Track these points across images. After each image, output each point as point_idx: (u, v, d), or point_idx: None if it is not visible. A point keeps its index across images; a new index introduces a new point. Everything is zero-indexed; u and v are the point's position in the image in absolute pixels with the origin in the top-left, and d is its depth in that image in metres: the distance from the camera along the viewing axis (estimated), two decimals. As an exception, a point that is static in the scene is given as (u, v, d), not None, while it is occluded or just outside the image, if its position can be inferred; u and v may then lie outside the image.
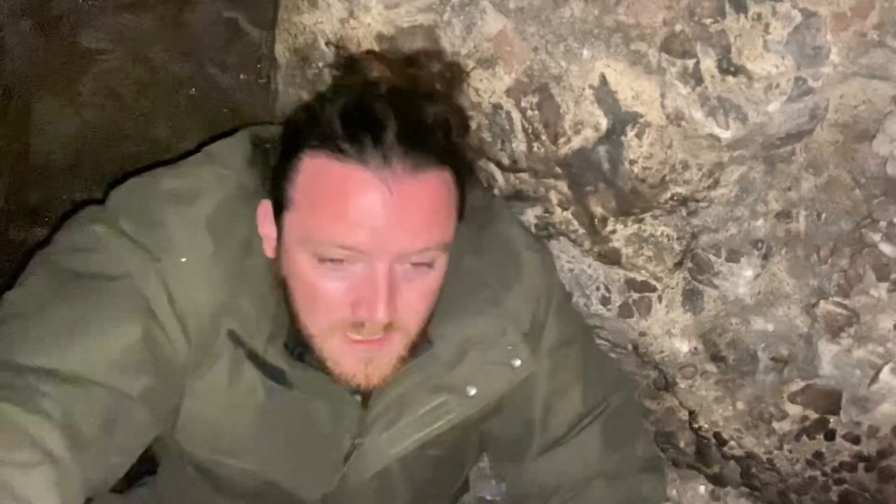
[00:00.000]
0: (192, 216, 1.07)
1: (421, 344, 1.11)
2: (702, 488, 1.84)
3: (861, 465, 1.55)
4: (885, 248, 1.36)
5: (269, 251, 1.07)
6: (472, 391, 1.17)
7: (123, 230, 1.07)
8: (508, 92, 1.36)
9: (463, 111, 1.14)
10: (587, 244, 1.50)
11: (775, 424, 1.56)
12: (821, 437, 1.55)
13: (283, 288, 1.06)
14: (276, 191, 1.03)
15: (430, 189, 0.98)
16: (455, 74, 1.14)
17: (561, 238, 1.52)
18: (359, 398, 1.16)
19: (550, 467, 1.31)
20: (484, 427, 1.30)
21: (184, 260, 1.04)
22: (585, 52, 1.31)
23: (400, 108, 0.98)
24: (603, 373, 1.39)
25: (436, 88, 1.09)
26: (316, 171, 0.98)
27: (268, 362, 1.09)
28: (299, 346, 1.09)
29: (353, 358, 1.03)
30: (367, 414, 1.17)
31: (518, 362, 1.19)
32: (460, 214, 1.07)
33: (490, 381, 1.19)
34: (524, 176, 1.45)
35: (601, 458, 1.32)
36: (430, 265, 1.02)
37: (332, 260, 0.99)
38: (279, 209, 1.03)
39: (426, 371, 1.15)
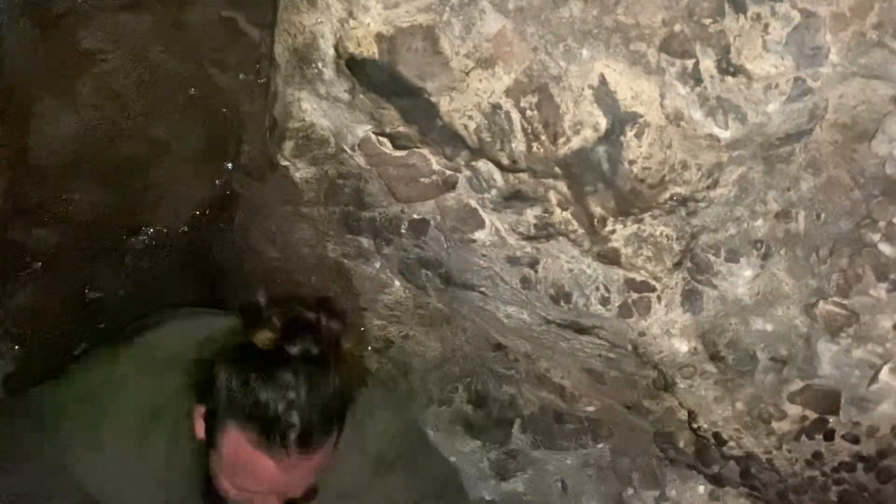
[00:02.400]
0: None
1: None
2: (701, 488, 1.84)
3: (860, 466, 1.55)
4: (885, 248, 1.36)
5: (199, 432, 1.36)
6: None
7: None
8: (508, 92, 1.36)
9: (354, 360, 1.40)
10: (586, 244, 1.50)
11: (774, 424, 1.56)
12: (820, 437, 1.55)
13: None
14: (210, 428, 1.33)
15: (318, 458, 1.29)
16: (348, 332, 1.37)
17: (560, 238, 1.52)
18: None
19: None
20: None
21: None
22: (585, 53, 1.31)
23: (305, 402, 1.25)
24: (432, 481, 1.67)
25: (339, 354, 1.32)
26: (235, 444, 1.28)
27: None
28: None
29: None
30: None
31: None
32: (341, 431, 1.34)
33: None
34: (523, 176, 1.45)
35: None
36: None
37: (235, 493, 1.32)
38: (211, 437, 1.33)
39: None
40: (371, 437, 1.51)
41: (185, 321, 1.56)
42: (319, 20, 1.42)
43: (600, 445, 1.96)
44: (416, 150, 1.53)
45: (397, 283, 1.85)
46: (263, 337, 1.28)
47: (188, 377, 1.37)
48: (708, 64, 1.27)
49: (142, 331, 1.53)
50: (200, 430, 1.35)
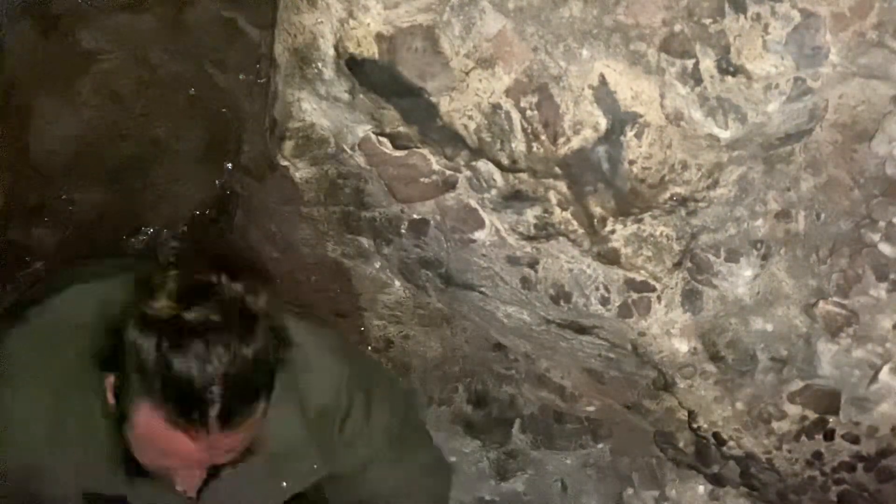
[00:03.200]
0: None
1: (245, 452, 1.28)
2: (701, 488, 1.84)
3: (860, 466, 1.55)
4: (885, 248, 1.36)
5: (111, 398, 1.24)
6: (284, 484, 1.47)
7: None
8: (508, 92, 1.37)
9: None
10: (586, 244, 1.50)
11: (774, 424, 1.57)
12: (820, 437, 1.55)
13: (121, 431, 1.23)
14: (120, 402, 1.21)
15: (242, 433, 1.19)
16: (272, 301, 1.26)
17: (560, 238, 1.52)
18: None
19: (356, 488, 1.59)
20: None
21: None
22: (585, 53, 1.31)
23: (224, 374, 1.13)
24: (386, 402, 1.56)
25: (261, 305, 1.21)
26: (149, 423, 1.17)
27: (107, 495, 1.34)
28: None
29: (170, 484, 1.24)
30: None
31: (316, 466, 1.48)
32: (269, 398, 1.23)
33: (299, 478, 1.49)
34: (523, 176, 1.45)
35: (390, 475, 1.58)
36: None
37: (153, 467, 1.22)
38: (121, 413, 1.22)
39: (250, 472, 1.32)
40: (311, 394, 1.41)
41: (79, 287, 1.40)
42: (319, 20, 1.42)
43: (600, 445, 1.96)
44: (416, 150, 1.53)
45: (397, 283, 1.85)
46: (160, 305, 1.14)
47: (92, 346, 1.24)
48: (708, 64, 1.27)
49: (36, 304, 1.39)
50: (111, 400, 1.23)
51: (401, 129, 1.49)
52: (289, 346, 1.26)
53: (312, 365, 1.40)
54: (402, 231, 1.68)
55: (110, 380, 1.23)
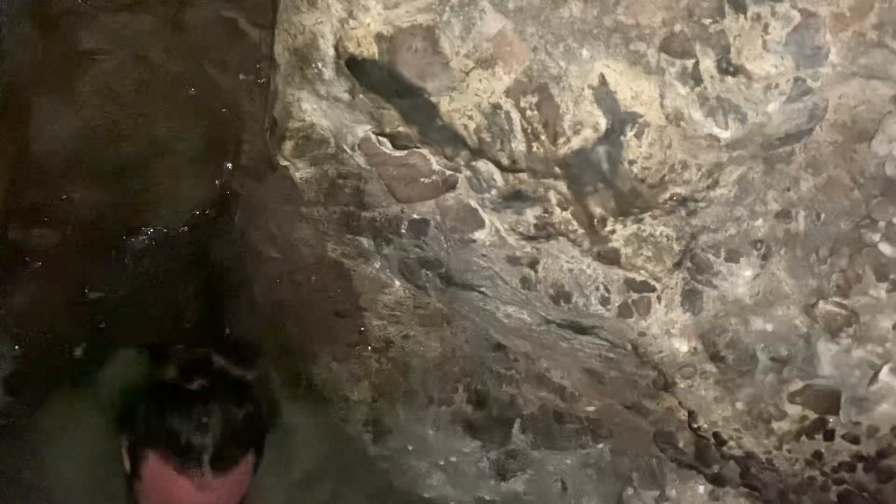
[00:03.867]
0: None
1: None
2: (701, 488, 1.84)
3: (860, 466, 1.55)
4: (884, 248, 1.36)
5: (128, 467, 1.49)
6: None
7: None
8: (508, 92, 1.37)
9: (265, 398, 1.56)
10: (586, 244, 1.50)
11: (774, 424, 1.57)
12: (820, 437, 1.55)
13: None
14: (132, 459, 1.47)
15: (233, 480, 1.42)
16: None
17: (560, 238, 1.52)
18: None
19: None
20: None
21: None
22: (585, 53, 1.31)
23: (216, 426, 1.39)
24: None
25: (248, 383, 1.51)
26: (155, 470, 1.42)
27: None
28: None
29: None
30: None
31: None
32: (259, 456, 1.50)
33: None
34: (523, 176, 1.45)
35: None
36: None
37: None
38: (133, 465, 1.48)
39: None
40: (294, 460, 1.64)
41: (113, 366, 1.68)
42: (319, 20, 1.42)
43: (600, 445, 1.96)
44: (416, 150, 1.53)
45: (397, 283, 1.85)
46: (168, 374, 1.45)
47: (111, 416, 1.52)
48: (708, 64, 1.27)
49: (85, 380, 1.68)
50: (127, 463, 1.48)
51: (401, 129, 1.49)
52: (280, 416, 1.56)
53: (297, 437, 1.66)
54: (402, 231, 1.68)
55: (125, 441, 1.48)
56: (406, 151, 1.55)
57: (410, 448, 1.95)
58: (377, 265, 1.83)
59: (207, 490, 1.38)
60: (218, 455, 1.38)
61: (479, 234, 1.59)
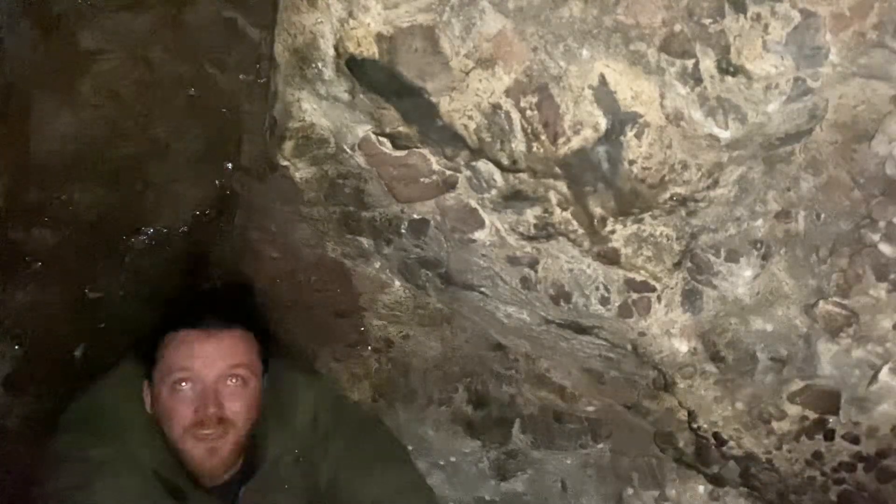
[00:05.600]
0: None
1: (251, 466, 1.68)
2: (701, 488, 1.84)
3: (860, 465, 1.55)
4: (884, 248, 1.36)
5: (148, 406, 1.64)
6: (287, 486, 1.71)
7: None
8: (508, 92, 1.37)
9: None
10: (586, 244, 1.50)
11: (774, 424, 1.57)
12: (820, 437, 1.55)
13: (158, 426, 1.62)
14: (150, 366, 1.64)
15: (235, 337, 1.63)
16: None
17: (560, 238, 1.52)
18: None
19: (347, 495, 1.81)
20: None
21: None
22: (585, 53, 1.31)
23: (216, 297, 1.83)
24: (372, 432, 1.85)
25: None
26: (167, 341, 1.62)
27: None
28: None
29: (200, 449, 1.57)
30: None
31: (301, 458, 1.74)
32: (265, 361, 1.69)
33: (294, 477, 1.73)
34: (523, 176, 1.45)
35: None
36: (245, 381, 1.61)
37: (178, 384, 1.57)
38: (151, 374, 1.64)
39: (259, 483, 1.68)
40: (298, 416, 1.74)
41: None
42: (319, 20, 1.42)
43: (600, 445, 1.96)
44: (416, 150, 1.53)
45: (397, 283, 1.85)
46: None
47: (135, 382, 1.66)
48: (708, 64, 1.27)
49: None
50: (147, 399, 1.63)
51: (401, 129, 1.49)
52: (278, 355, 1.72)
53: (299, 396, 1.77)
54: (402, 231, 1.68)
55: (146, 388, 1.64)
56: (406, 151, 1.55)
57: (410, 448, 1.95)
58: (377, 265, 1.83)
59: (214, 339, 1.58)
60: (221, 309, 1.64)
61: (479, 234, 1.59)
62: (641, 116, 1.33)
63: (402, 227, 1.68)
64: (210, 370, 1.57)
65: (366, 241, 1.77)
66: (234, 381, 1.59)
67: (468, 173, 1.52)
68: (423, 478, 1.85)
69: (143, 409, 1.64)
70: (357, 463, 1.73)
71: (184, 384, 1.56)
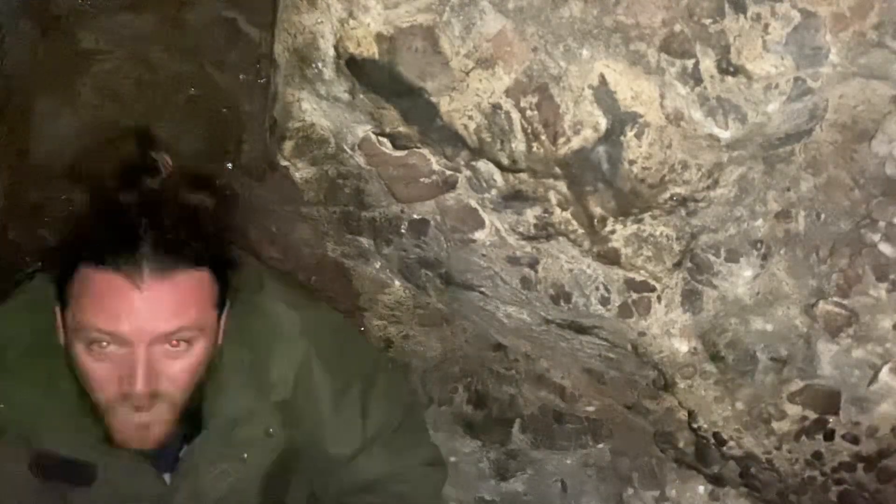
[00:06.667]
0: None
1: (200, 420, 1.33)
2: (701, 488, 1.84)
3: (860, 466, 1.55)
4: (884, 248, 1.36)
5: (61, 338, 1.24)
6: (245, 456, 1.40)
7: None
8: (508, 92, 1.36)
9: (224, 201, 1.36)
10: (586, 244, 1.50)
11: (774, 424, 1.57)
12: (820, 437, 1.55)
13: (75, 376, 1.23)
14: (61, 299, 1.22)
15: (181, 286, 1.17)
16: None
17: (560, 238, 1.52)
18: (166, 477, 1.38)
19: (349, 475, 1.52)
20: (293, 466, 1.48)
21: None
22: (585, 53, 1.31)
23: (157, 219, 1.16)
24: (385, 398, 1.54)
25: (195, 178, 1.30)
26: (83, 279, 1.17)
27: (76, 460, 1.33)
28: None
29: (128, 426, 1.21)
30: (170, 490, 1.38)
31: (272, 430, 1.40)
32: (222, 301, 1.27)
33: (257, 449, 1.41)
34: (523, 176, 1.45)
35: (387, 464, 1.54)
36: (188, 343, 1.21)
37: (97, 344, 1.17)
38: (62, 306, 1.22)
39: (206, 446, 1.36)
40: (272, 371, 1.38)
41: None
42: (319, 20, 1.42)
43: (600, 445, 1.96)
44: (416, 150, 1.53)
45: (397, 283, 1.85)
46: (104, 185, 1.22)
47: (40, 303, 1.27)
48: (708, 64, 1.27)
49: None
50: (61, 331, 1.23)
51: (401, 129, 1.49)
52: (238, 266, 1.29)
53: (278, 344, 1.38)
54: (402, 231, 1.68)
55: (57, 312, 1.23)
56: (406, 151, 1.55)
57: (410, 448, 1.95)
58: (377, 265, 1.83)
59: (150, 292, 1.13)
60: (158, 247, 1.14)
61: (479, 234, 1.59)
62: (641, 116, 1.33)
63: (402, 227, 1.68)
64: (142, 335, 1.15)
65: (366, 241, 1.77)
66: (174, 345, 1.19)
67: (468, 173, 1.52)
68: (435, 454, 1.63)
69: (53, 341, 1.24)
70: (352, 439, 1.46)
71: (104, 344, 1.17)
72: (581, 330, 1.65)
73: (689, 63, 1.27)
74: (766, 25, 1.21)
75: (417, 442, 1.63)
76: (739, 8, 1.22)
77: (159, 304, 1.15)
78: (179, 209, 1.20)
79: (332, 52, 1.45)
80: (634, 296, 1.54)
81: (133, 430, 1.21)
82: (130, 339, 1.16)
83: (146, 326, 1.15)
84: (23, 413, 1.31)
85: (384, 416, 1.52)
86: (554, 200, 1.47)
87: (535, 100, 1.35)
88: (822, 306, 1.43)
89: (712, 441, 1.65)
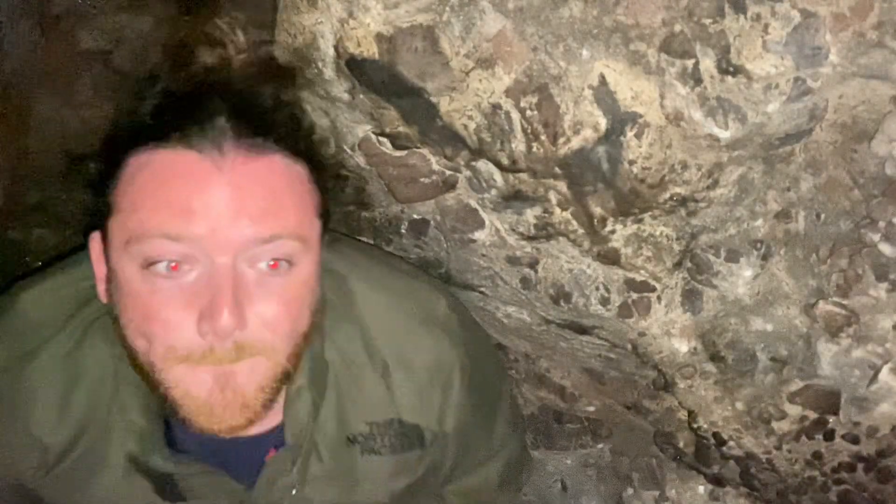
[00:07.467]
0: None
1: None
2: (701, 488, 1.84)
3: (860, 466, 1.55)
4: (885, 248, 1.36)
5: (103, 294, 0.89)
6: (365, 486, 1.05)
7: None
8: (507, 92, 1.37)
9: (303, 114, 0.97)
10: (586, 244, 1.50)
11: (774, 424, 1.56)
12: (820, 437, 1.55)
13: (117, 326, 0.86)
14: (102, 209, 0.87)
15: (272, 171, 0.86)
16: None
17: (560, 238, 1.52)
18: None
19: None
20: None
21: None
22: (585, 53, 1.31)
23: (233, 93, 0.88)
24: (505, 427, 1.39)
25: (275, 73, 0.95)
26: (138, 166, 0.83)
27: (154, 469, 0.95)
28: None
29: (202, 384, 0.83)
30: None
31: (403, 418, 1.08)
32: (324, 218, 0.95)
33: (376, 481, 1.06)
34: (523, 176, 1.45)
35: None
36: (289, 262, 0.87)
37: (156, 264, 0.82)
38: (105, 225, 0.86)
39: (310, 469, 1.00)
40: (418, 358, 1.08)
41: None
42: (319, 20, 1.42)
43: (600, 445, 1.96)
44: (416, 150, 1.53)
45: (397, 283, 1.85)
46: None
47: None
48: (708, 64, 1.27)
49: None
50: (100, 266, 0.88)
51: (401, 129, 1.49)
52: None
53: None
54: (402, 231, 1.68)
55: (95, 237, 0.89)
56: (406, 151, 1.55)
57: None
58: (377, 265, 1.83)
59: (233, 174, 0.81)
60: (237, 116, 0.85)
61: (479, 234, 1.59)
62: (641, 116, 1.33)
63: (402, 227, 1.68)
64: (226, 243, 0.81)
65: (366, 242, 1.77)
66: (273, 266, 0.85)
67: (468, 173, 1.52)
68: (522, 457, 1.48)
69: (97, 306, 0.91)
70: (466, 462, 1.22)
71: (169, 265, 0.82)
72: (581, 330, 1.65)
73: (689, 63, 1.27)
74: (766, 25, 1.21)
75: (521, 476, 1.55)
76: (739, 8, 1.22)
77: (249, 194, 0.82)
78: (255, 81, 0.92)
79: (331, 52, 1.45)
80: (634, 296, 1.54)
81: (207, 392, 0.82)
82: (208, 247, 0.81)
83: (230, 230, 0.81)
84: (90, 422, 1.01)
85: (501, 441, 1.37)
86: (554, 200, 1.47)
87: (535, 100, 1.35)
88: (822, 306, 1.43)
89: (712, 441, 1.65)
